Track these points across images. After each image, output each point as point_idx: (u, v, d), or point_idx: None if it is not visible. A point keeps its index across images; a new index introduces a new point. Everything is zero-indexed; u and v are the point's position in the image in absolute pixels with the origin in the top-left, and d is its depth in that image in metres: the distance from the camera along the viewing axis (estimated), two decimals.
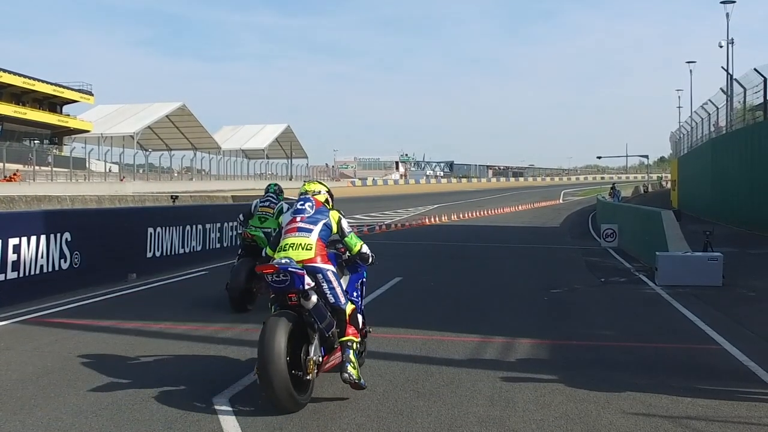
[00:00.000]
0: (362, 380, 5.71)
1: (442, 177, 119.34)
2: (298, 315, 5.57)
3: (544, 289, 12.59)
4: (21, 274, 10.10)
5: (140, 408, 5.55)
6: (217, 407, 5.58)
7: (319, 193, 6.35)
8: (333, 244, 6.25)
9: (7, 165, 46.15)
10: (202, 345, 7.79)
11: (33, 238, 10.37)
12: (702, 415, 5.58)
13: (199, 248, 15.54)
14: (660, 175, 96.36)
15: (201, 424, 5.25)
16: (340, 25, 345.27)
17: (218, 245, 16.52)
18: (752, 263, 15.79)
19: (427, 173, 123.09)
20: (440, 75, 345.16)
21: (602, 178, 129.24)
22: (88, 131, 68.98)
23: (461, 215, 37.95)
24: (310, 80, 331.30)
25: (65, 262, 11.04)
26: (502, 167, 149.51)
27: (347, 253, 6.29)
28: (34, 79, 62.56)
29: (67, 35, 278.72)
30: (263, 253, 6.57)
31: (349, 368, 5.63)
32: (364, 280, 6.64)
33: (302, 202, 6.12)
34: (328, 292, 5.78)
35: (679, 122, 56.32)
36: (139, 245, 13.25)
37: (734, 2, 39.52)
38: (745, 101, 27.43)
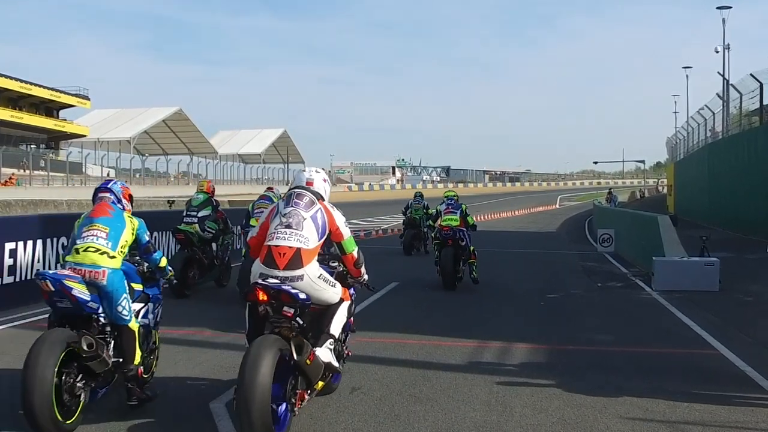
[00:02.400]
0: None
1: (438, 182, 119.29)
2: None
3: (541, 294, 12.60)
4: (17, 279, 10.08)
5: (137, 412, 5.53)
6: (213, 412, 5.57)
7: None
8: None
9: (3, 169, 46.11)
10: (199, 349, 7.77)
11: (29, 243, 10.35)
12: (699, 419, 5.58)
13: None
14: (656, 179, 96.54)
15: (198, 428, 5.24)
16: (338, 30, 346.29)
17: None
18: (749, 268, 15.81)
19: (424, 178, 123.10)
20: (437, 80, 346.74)
21: (599, 183, 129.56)
22: (84, 136, 68.91)
23: None
24: (307, 85, 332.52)
25: (62, 267, 10.99)
26: (498, 172, 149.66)
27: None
28: (31, 83, 62.54)
29: (63, 40, 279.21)
30: None
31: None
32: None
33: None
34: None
35: (676, 127, 56.49)
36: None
37: (730, 8, 39.71)
38: (741, 106, 27.53)
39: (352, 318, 5.95)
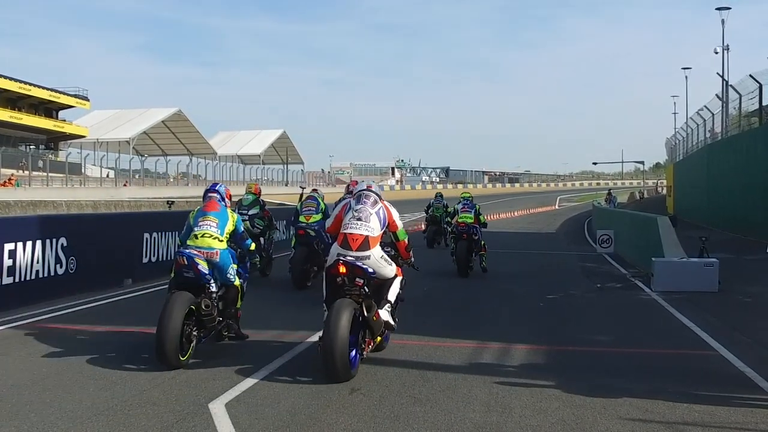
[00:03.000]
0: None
1: (437, 183, 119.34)
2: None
3: (540, 294, 12.59)
4: (16, 280, 10.07)
5: (136, 413, 5.54)
6: (213, 412, 5.57)
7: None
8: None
9: (2, 170, 46.07)
10: (198, 350, 7.75)
11: (29, 244, 10.35)
12: (698, 420, 5.58)
13: None
14: (655, 180, 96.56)
15: (197, 429, 5.24)
16: (337, 31, 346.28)
17: None
18: (748, 269, 15.82)
19: (423, 179, 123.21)
20: (436, 81, 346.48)
21: (598, 184, 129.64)
22: (84, 136, 68.90)
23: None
24: (306, 86, 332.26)
25: (61, 267, 11.02)
26: (497, 173, 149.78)
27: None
28: (30, 84, 62.52)
29: (63, 40, 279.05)
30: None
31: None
32: None
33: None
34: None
35: (675, 128, 56.49)
36: (135, 251, 13.23)
37: (729, 9, 39.74)
38: (740, 107, 27.54)
39: (402, 290, 7.43)
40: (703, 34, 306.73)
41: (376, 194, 7.39)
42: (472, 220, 15.22)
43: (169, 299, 7.08)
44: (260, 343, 8.12)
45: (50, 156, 62.38)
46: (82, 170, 59.15)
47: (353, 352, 6.59)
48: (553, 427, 5.40)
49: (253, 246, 8.34)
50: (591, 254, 21.30)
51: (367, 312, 6.72)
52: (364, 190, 7.45)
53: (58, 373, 6.76)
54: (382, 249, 7.19)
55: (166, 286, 8.02)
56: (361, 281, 6.83)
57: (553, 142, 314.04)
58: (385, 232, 7.32)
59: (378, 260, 7.01)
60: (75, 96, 69.40)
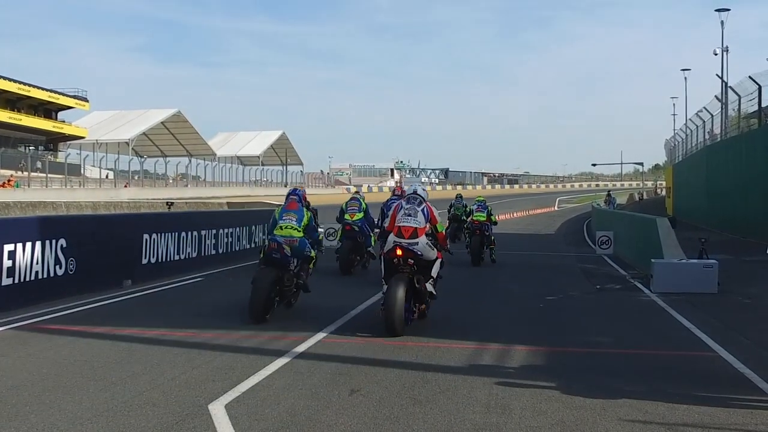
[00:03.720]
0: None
1: (437, 184, 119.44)
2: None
3: (540, 296, 12.60)
4: (16, 281, 10.05)
5: (136, 415, 5.54)
6: (212, 413, 5.57)
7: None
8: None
9: (1, 171, 46.09)
10: (198, 351, 7.76)
11: (28, 245, 10.34)
12: (698, 422, 5.58)
13: (194, 255, 15.52)
14: (654, 182, 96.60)
15: (197, 430, 5.23)
16: (336, 32, 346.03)
17: (213, 252, 16.51)
18: (747, 270, 15.83)
19: (422, 180, 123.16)
20: (435, 82, 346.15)
21: (597, 185, 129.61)
22: (83, 137, 68.95)
23: None
24: (305, 87, 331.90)
25: (60, 268, 11.01)
26: (497, 174, 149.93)
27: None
28: (29, 85, 62.57)
29: (62, 41, 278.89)
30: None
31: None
32: None
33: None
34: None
35: (674, 130, 56.62)
36: (135, 252, 13.22)
37: (728, 10, 39.83)
38: (739, 109, 27.55)
39: (441, 269, 9.60)
40: (703, 35, 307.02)
41: (421, 197, 9.58)
42: (484, 219, 18.13)
43: (261, 272, 9.59)
44: (260, 344, 8.13)
45: (49, 157, 62.41)
46: (82, 171, 59.18)
47: (407, 313, 8.86)
48: (552, 428, 5.40)
49: (321, 236, 11.37)
50: (590, 255, 21.31)
51: (417, 284, 8.97)
52: (412, 194, 9.64)
53: (57, 374, 6.76)
54: (426, 237, 9.24)
55: (169, 286, 10.16)
56: (412, 261, 8.99)
57: (553, 144, 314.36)
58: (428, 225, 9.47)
59: (424, 246, 9.13)
60: (74, 97, 69.45)
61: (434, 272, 9.38)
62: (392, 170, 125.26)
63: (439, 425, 5.43)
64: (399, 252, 8.93)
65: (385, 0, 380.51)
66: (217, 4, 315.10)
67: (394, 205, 9.85)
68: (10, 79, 59.79)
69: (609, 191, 55.14)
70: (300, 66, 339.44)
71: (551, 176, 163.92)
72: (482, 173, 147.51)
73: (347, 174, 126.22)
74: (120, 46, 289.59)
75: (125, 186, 54.32)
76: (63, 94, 67.69)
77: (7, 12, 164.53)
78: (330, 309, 10.21)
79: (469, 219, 19.11)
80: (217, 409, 5.67)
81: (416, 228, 9.10)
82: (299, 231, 9.98)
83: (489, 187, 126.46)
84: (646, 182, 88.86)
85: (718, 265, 12.84)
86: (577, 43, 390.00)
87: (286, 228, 9.93)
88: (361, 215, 15.61)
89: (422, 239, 9.11)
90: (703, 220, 30.41)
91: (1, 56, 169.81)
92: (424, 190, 9.91)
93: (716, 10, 40.11)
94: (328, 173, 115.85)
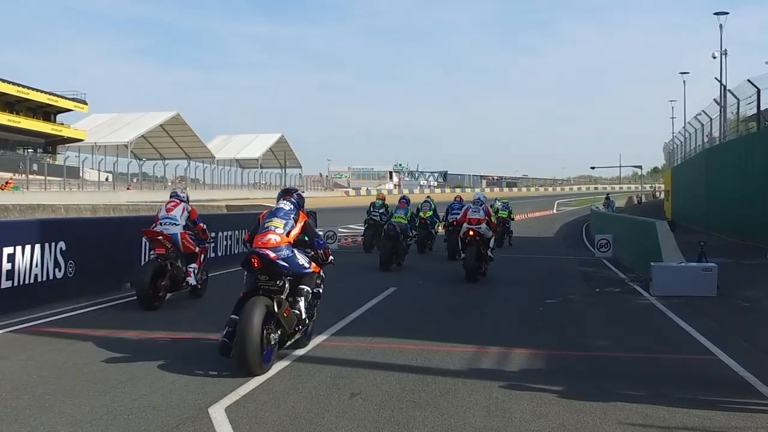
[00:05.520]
0: None
1: (436, 187, 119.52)
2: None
3: (539, 299, 12.61)
4: (15, 284, 10.04)
5: (136, 417, 5.53)
6: (212, 417, 5.57)
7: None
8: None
9: (0, 174, 46.06)
10: (198, 354, 7.76)
11: (27, 247, 10.33)
12: (698, 425, 5.59)
13: None
14: (653, 185, 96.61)
15: None
16: (335, 35, 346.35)
17: (213, 254, 16.48)
18: (746, 273, 15.83)
19: (421, 183, 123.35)
20: (434, 85, 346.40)
21: (596, 188, 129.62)
22: (82, 140, 68.91)
23: None
24: (304, 89, 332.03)
25: (60, 271, 11.00)
26: (495, 177, 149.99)
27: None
28: (28, 87, 62.56)
29: (61, 44, 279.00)
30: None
31: None
32: None
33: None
34: None
35: (673, 133, 56.67)
36: (134, 254, 13.20)
37: (727, 14, 39.88)
38: (738, 112, 27.57)
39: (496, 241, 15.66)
40: (702, 38, 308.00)
41: (481, 200, 15.50)
42: (506, 215, 27.44)
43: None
44: None
45: (48, 160, 62.45)
46: (80, 174, 59.18)
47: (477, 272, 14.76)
48: (553, 431, 5.40)
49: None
50: (589, 259, 21.32)
51: (483, 247, 14.95)
52: (477, 199, 15.50)
53: (57, 377, 6.75)
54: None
55: None
56: (478, 238, 14.72)
57: (552, 147, 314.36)
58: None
59: (485, 229, 14.92)
60: (73, 99, 69.45)
61: (491, 244, 15.35)
62: (391, 173, 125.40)
63: (440, 429, 5.42)
64: (471, 233, 14.71)
65: (384, 2, 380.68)
66: (215, 6, 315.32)
67: (462, 206, 17.48)
68: (8, 82, 59.78)
69: (608, 194, 55.19)
70: (299, 68, 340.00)
71: (550, 179, 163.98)
72: (481, 176, 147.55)
73: (346, 177, 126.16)
74: (119, 48, 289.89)
75: (128, 189, 54.29)
76: (62, 97, 67.68)
77: (6, 14, 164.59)
78: (330, 312, 10.14)
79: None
80: (218, 413, 5.67)
81: (479, 219, 14.93)
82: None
83: (488, 190, 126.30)
84: (644, 185, 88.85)
85: (717, 268, 12.84)
86: (576, 45, 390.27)
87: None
88: (405, 220, 18.49)
89: (483, 226, 14.88)
90: (702, 223, 30.42)
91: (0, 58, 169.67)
92: (484, 196, 15.98)
93: (715, 14, 40.15)
94: (326, 176, 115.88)
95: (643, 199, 68.24)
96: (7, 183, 44.21)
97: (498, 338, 8.93)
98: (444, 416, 5.71)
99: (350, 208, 54.99)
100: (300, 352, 7.87)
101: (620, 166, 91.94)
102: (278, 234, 7.55)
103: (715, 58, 39.15)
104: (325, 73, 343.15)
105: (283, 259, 7.37)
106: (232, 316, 7.07)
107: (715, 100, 32.03)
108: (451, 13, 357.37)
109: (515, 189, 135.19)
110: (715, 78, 35.46)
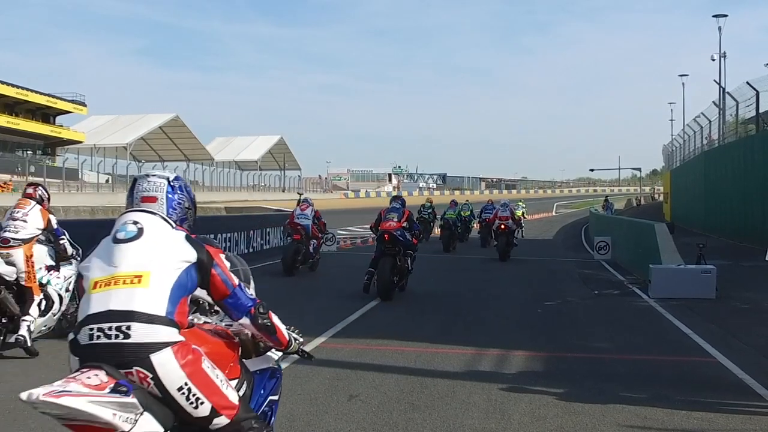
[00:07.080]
0: None
1: (435, 189, 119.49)
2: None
3: (538, 301, 12.60)
4: None
5: None
6: None
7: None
8: None
9: None
10: None
11: None
12: (697, 427, 5.59)
13: None
14: (652, 187, 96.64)
15: None
16: (334, 37, 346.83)
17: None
18: (745, 276, 15.84)
19: (420, 185, 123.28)
20: (433, 87, 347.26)
21: (594, 190, 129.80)
22: (81, 142, 68.81)
23: None
24: (303, 91, 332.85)
25: None
26: (494, 179, 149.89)
27: None
28: (28, 89, 62.45)
29: (60, 45, 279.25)
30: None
31: None
32: None
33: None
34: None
35: (672, 135, 56.58)
36: None
37: (726, 16, 39.86)
38: (737, 114, 27.60)
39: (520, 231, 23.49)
40: (701, 40, 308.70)
41: (507, 204, 21.28)
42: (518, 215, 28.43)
43: None
44: None
45: (47, 161, 62.35)
46: (80, 176, 59.12)
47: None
48: None
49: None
50: (588, 261, 21.30)
51: (510, 237, 20.24)
52: (504, 203, 20.90)
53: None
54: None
55: None
56: (507, 230, 20.01)
57: (551, 149, 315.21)
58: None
59: (511, 224, 20.15)
60: (72, 101, 69.35)
61: (516, 234, 20.80)
62: (390, 175, 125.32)
63: (438, 431, 5.42)
64: (503, 227, 19.87)
65: (383, 4, 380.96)
66: (215, 7, 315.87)
67: (493, 207, 24.28)
68: (8, 84, 59.70)
69: (606, 197, 55.22)
70: (298, 70, 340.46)
71: (549, 181, 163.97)
72: (480, 178, 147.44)
73: (345, 179, 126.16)
74: (118, 49, 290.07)
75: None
76: (61, 99, 67.58)
77: (5, 15, 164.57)
78: (329, 314, 10.14)
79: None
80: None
81: (507, 216, 20.19)
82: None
83: (487, 192, 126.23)
84: (644, 187, 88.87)
85: (716, 271, 12.84)
86: (575, 47, 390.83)
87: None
88: (454, 215, 25.29)
89: (510, 221, 20.25)
90: (700, 226, 30.46)
91: None
92: (508, 201, 22.61)
93: (714, 16, 40.08)
94: (326, 178, 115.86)
95: (642, 201, 68.29)
96: (5, 183, 44.15)
97: (497, 340, 8.92)
98: (443, 418, 5.70)
99: (349, 210, 54.94)
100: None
101: (619, 168, 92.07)
102: (395, 221, 12.49)
103: (714, 60, 39.15)
104: (325, 75, 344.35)
105: (400, 236, 12.30)
106: (369, 269, 12.24)
107: (714, 102, 32.08)
108: (450, 15, 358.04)
109: (514, 191, 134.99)
110: (714, 80, 35.53)
